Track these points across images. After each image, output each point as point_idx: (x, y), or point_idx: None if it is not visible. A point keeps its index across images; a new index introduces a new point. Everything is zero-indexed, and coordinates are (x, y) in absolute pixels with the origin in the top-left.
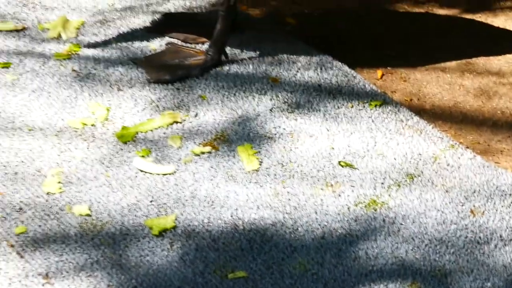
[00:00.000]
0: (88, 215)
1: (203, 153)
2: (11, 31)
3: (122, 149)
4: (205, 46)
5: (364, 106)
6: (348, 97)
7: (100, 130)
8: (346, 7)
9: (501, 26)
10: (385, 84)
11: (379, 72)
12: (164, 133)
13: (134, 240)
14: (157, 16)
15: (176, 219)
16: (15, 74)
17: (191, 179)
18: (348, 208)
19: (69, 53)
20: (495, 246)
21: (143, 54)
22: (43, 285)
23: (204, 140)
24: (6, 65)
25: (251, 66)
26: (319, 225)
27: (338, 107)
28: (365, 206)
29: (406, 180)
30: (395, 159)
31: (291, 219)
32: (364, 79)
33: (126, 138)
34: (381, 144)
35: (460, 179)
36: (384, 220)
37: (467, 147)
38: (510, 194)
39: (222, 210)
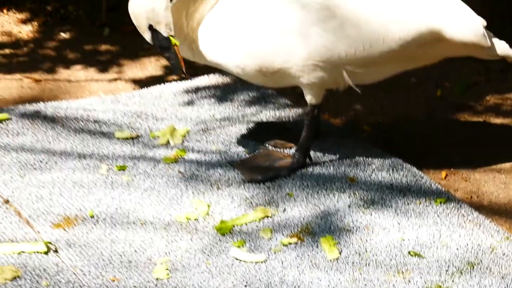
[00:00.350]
0: None
1: (290, 243)
2: (127, 138)
3: (220, 240)
4: (292, 150)
5: (430, 203)
6: (416, 195)
7: (202, 224)
8: (415, 117)
9: None
10: (449, 184)
11: (443, 173)
12: (257, 226)
13: None
14: (251, 125)
15: None
16: (130, 176)
17: (280, 266)
18: None
19: (176, 157)
20: None
21: (239, 157)
22: None
23: (291, 232)
24: (123, 168)
25: (331, 168)
26: None
27: (408, 204)
28: None
29: (467, 268)
30: (457, 249)
31: None
32: (430, 179)
33: (224, 230)
34: (446, 236)
35: None
36: None
37: None
38: None
39: None
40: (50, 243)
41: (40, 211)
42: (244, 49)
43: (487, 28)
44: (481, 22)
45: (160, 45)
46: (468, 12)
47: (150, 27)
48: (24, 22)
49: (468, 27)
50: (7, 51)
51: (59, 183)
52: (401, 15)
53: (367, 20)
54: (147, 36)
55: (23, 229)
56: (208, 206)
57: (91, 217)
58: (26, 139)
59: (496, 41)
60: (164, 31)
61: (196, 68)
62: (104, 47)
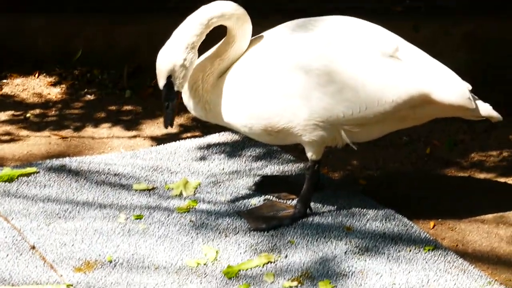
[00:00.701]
0: None
1: (291, 287)
2: (144, 190)
3: (227, 284)
4: (294, 202)
5: (419, 250)
6: (407, 243)
7: (211, 268)
8: (406, 171)
9: None
10: (436, 233)
11: (431, 223)
12: (261, 271)
13: None
14: (257, 178)
15: None
16: (145, 224)
17: None
18: None
19: (188, 207)
20: None
21: (246, 207)
22: None
23: (292, 276)
24: (139, 217)
25: (330, 218)
26: None
27: (399, 251)
28: None
29: None
30: None
31: None
32: (420, 228)
33: (231, 274)
34: (433, 281)
35: None
36: None
37: (501, 284)
38: None
39: None
40: (71, 285)
41: (63, 256)
42: (251, 111)
43: (472, 91)
44: (466, 86)
45: (167, 95)
46: (454, 77)
47: (169, 77)
48: (53, 84)
49: (455, 91)
50: (37, 111)
51: (81, 230)
52: (394, 80)
53: (364, 85)
54: (162, 82)
55: (48, 272)
56: (217, 252)
57: (109, 261)
58: (52, 190)
59: (480, 103)
60: (177, 85)
61: (208, 127)
62: (125, 107)
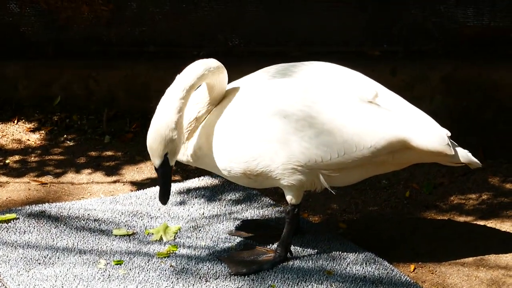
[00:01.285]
0: None
1: None
2: (124, 235)
3: None
4: (275, 246)
5: None
6: (388, 287)
7: None
8: (386, 215)
9: (508, 230)
10: (417, 276)
11: (412, 266)
12: None
13: None
14: (237, 222)
15: None
16: (125, 269)
17: None
18: None
19: (168, 252)
20: None
21: (226, 252)
22: None
23: None
24: (119, 262)
25: (310, 261)
26: None
27: None
28: None
29: None
30: None
31: None
32: (400, 271)
33: None
34: None
35: None
36: None
37: None
38: None
39: None
40: None
41: None
42: (231, 154)
43: (451, 138)
44: (445, 132)
45: (163, 171)
46: (433, 124)
47: (166, 155)
48: (32, 130)
49: (434, 138)
50: (16, 157)
51: (61, 276)
52: (372, 125)
53: (341, 130)
54: (158, 162)
55: None
56: None
57: None
58: (32, 236)
59: (459, 149)
60: (173, 161)
61: (188, 171)
62: (105, 153)
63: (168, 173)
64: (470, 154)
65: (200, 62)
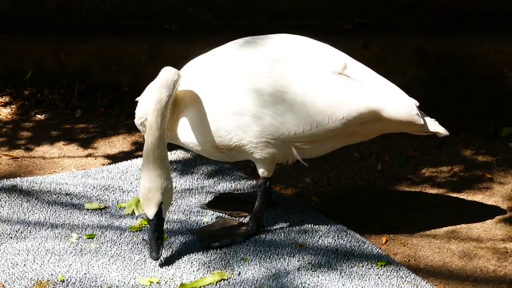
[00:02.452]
0: None
1: None
2: (95, 209)
3: None
4: (247, 219)
5: (372, 266)
6: (359, 259)
7: (164, 287)
8: (358, 188)
9: (479, 201)
10: (389, 248)
11: (383, 239)
12: None
13: None
14: (209, 196)
15: None
16: (97, 243)
17: None
18: None
19: (140, 226)
20: None
21: (198, 225)
22: None
23: None
24: (91, 236)
25: (282, 235)
26: None
27: (351, 267)
28: None
29: None
30: None
31: None
32: (372, 244)
33: None
34: None
35: None
36: None
37: None
38: None
39: None
40: None
41: (15, 276)
42: (204, 130)
43: (421, 107)
44: (414, 102)
45: (157, 223)
46: (401, 94)
47: (160, 204)
48: (3, 105)
49: (403, 107)
50: None
51: (33, 250)
52: (344, 97)
53: (314, 102)
54: (152, 211)
55: None
56: (169, 270)
57: (61, 281)
58: (3, 211)
59: (427, 119)
60: (165, 212)
61: None
62: (76, 127)
63: (161, 226)
64: (437, 123)
65: (164, 86)
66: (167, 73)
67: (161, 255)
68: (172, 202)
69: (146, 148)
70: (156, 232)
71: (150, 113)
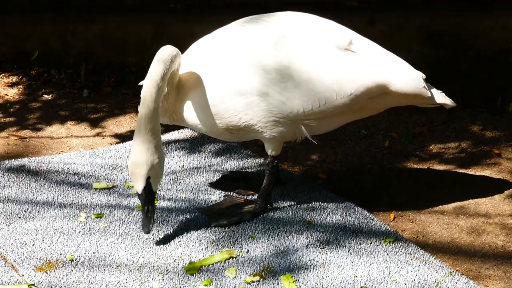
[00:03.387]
0: None
1: (253, 281)
2: (103, 189)
3: (189, 280)
4: (255, 197)
5: (380, 243)
6: (368, 236)
7: (173, 265)
8: (366, 165)
9: (487, 177)
10: (397, 225)
11: (391, 215)
12: (223, 266)
13: None
14: (217, 174)
15: None
16: (106, 222)
17: None
18: None
19: None
20: None
21: (206, 204)
22: None
23: (254, 271)
24: (100, 215)
25: (290, 212)
26: None
27: (360, 244)
28: None
29: None
30: (405, 284)
31: None
32: (380, 221)
33: (193, 271)
34: (394, 273)
35: None
36: None
37: (462, 274)
38: None
39: None
40: (33, 285)
41: (24, 256)
42: (213, 111)
43: (426, 81)
44: (420, 75)
45: (146, 197)
46: (408, 67)
47: (148, 179)
48: (10, 85)
49: (410, 80)
50: None
51: (42, 230)
52: (351, 73)
53: (321, 79)
54: (140, 185)
55: (9, 272)
56: (178, 248)
57: (70, 260)
58: (12, 191)
59: (434, 91)
60: (155, 186)
61: (167, 125)
62: (83, 106)
63: (152, 200)
64: (444, 95)
65: (160, 60)
66: (165, 49)
67: (152, 228)
68: (179, 180)
69: (138, 120)
70: (147, 206)
71: (145, 85)
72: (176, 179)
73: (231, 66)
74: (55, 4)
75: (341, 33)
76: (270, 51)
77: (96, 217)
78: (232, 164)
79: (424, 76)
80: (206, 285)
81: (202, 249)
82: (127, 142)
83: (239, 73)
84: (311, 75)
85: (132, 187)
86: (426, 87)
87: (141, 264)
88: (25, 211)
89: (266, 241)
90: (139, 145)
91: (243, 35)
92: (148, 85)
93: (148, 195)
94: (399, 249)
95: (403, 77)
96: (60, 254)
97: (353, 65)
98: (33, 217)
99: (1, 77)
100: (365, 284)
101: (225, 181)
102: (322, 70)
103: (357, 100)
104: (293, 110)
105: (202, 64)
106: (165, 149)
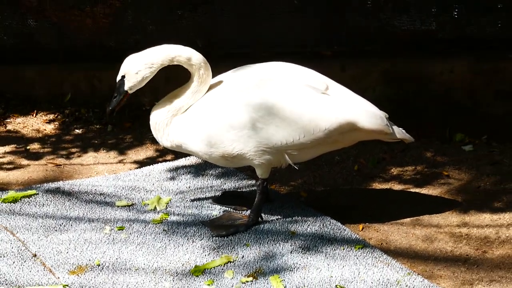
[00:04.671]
0: None
1: (247, 281)
2: (124, 206)
3: (195, 280)
4: (248, 212)
5: (351, 249)
6: (341, 243)
7: (181, 268)
8: (339, 185)
9: (438, 195)
10: (365, 234)
11: (360, 226)
12: (222, 269)
13: None
14: (217, 194)
15: None
16: (126, 234)
17: None
18: None
19: (161, 219)
20: None
21: (209, 218)
22: None
23: (248, 273)
24: (121, 228)
25: (277, 224)
26: None
27: (334, 250)
28: None
29: None
30: (372, 282)
31: None
32: (351, 231)
33: (198, 273)
34: (363, 273)
35: None
36: None
37: (419, 274)
38: None
39: None
40: (67, 286)
41: (59, 262)
42: (210, 141)
43: (388, 119)
44: (384, 114)
45: (118, 88)
46: (374, 108)
47: (123, 77)
48: (48, 122)
49: (375, 119)
50: (35, 144)
51: (74, 240)
52: (325, 112)
53: (300, 116)
54: (118, 77)
55: (47, 276)
56: (185, 255)
57: (97, 265)
58: (49, 208)
59: (395, 128)
60: (127, 86)
61: (177, 152)
62: (108, 139)
63: (120, 91)
64: (404, 131)
65: (197, 53)
66: (173, 49)
67: (113, 112)
68: (186, 199)
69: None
70: (116, 94)
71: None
72: (184, 198)
73: (225, 105)
74: (85, 55)
75: (319, 79)
76: (256, 93)
77: (118, 229)
78: (229, 185)
79: (387, 116)
80: (208, 284)
81: (205, 255)
82: (143, 167)
83: (231, 111)
84: (292, 114)
85: (148, 204)
86: (388, 124)
87: (156, 267)
88: (60, 225)
89: (258, 248)
90: (140, 55)
91: (235, 79)
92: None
93: (120, 87)
94: (366, 254)
95: (369, 116)
96: (89, 260)
97: (328, 106)
98: (67, 230)
99: (41, 115)
100: (339, 283)
101: (224, 199)
102: (301, 109)
103: (331, 135)
104: (277, 142)
105: (204, 103)
106: (175, 173)
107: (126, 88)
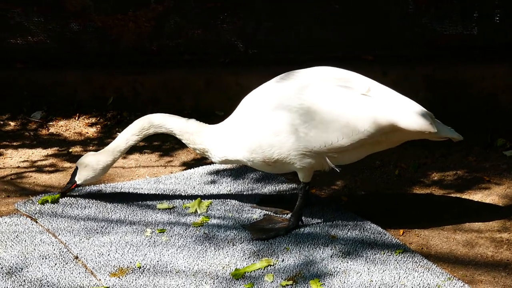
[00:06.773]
0: None
1: (287, 285)
2: (165, 209)
3: (235, 283)
4: (289, 216)
5: (391, 253)
6: (381, 247)
7: (222, 271)
8: (380, 189)
9: (479, 200)
10: (405, 239)
11: (401, 231)
12: (262, 272)
13: None
14: (258, 197)
15: None
16: (167, 236)
17: None
18: None
19: (202, 222)
20: None
21: (249, 221)
22: None
23: (288, 276)
24: (162, 231)
25: (318, 228)
26: None
27: (375, 254)
28: None
29: None
30: (412, 287)
31: None
32: (391, 235)
33: (238, 276)
34: (403, 278)
35: None
36: None
37: (459, 279)
38: None
39: None
40: None
41: (101, 264)
42: (251, 147)
43: (434, 116)
44: (428, 114)
45: (70, 178)
46: (418, 107)
47: (76, 168)
48: (90, 125)
49: (418, 119)
50: (78, 147)
51: (115, 243)
52: (364, 113)
53: (338, 119)
54: (74, 169)
55: (88, 278)
56: (225, 258)
57: (138, 268)
58: (91, 211)
59: (442, 126)
60: (77, 177)
61: None
62: (149, 143)
63: (70, 180)
64: (452, 130)
65: (137, 125)
66: (141, 121)
67: (64, 195)
68: (227, 202)
69: (111, 147)
70: (68, 184)
71: (120, 135)
72: (224, 201)
73: (264, 110)
74: (127, 59)
75: (361, 81)
76: (295, 97)
77: (159, 232)
78: (270, 188)
79: (432, 115)
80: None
81: (245, 258)
82: (185, 170)
83: (270, 116)
84: (330, 116)
85: (189, 207)
86: (432, 123)
87: (196, 270)
88: (102, 227)
89: (298, 252)
90: (95, 155)
91: (276, 87)
92: (121, 137)
93: (71, 177)
94: (407, 259)
95: (411, 116)
96: (130, 262)
97: (367, 107)
98: (108, 232)
99: (83, 119)
100: (379, 287)
101: (265, 203)
102: (339, 111)
103: (371, 136)
104: (316, 145)
105: (247, 111)
106: (215, 177)
107: (76, 179)
